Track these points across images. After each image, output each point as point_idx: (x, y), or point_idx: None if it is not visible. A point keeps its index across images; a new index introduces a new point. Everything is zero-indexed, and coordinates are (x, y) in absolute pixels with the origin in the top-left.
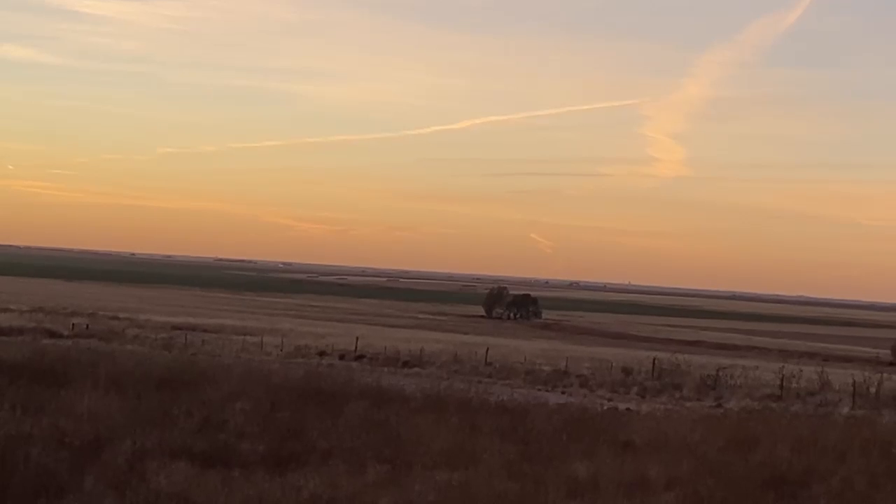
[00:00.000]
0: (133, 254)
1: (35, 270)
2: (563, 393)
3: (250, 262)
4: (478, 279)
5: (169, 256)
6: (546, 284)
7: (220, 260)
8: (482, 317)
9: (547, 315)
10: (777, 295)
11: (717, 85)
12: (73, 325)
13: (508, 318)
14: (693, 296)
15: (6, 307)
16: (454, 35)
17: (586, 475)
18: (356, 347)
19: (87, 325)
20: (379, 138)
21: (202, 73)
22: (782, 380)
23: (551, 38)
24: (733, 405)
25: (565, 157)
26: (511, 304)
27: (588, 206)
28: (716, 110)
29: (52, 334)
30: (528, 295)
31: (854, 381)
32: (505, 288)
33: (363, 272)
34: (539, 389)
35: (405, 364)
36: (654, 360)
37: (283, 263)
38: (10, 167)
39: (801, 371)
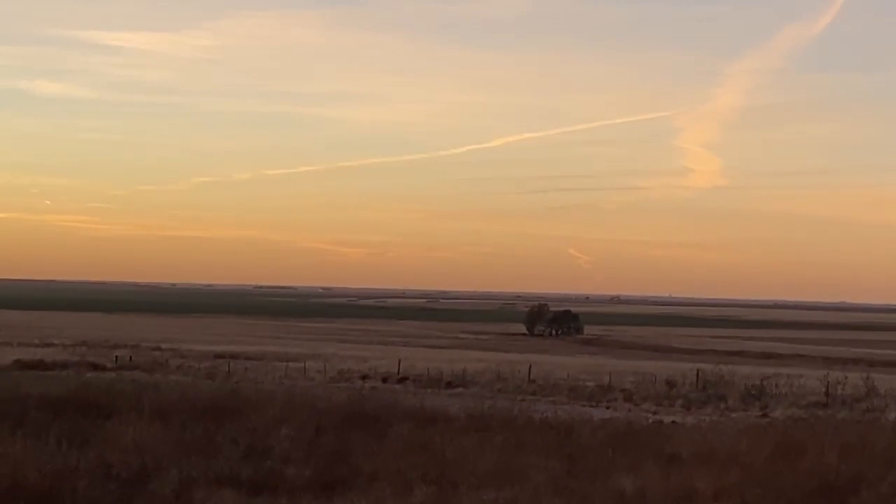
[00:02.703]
0: (173, 284)
1: (76, 304)
2: (607, 408)
3: (289, 288)
4: (518, 297)
5: (209, 285)
6: (587, 300)
7: (260, 287)
8: (524, 334)
9: (589, 330)
10: (819, 302)
11: (749, 93)
12: (116, 357)
13: (550, 334)
14: (734, 306)
15: (49, 342)
16: (485, 52)
17: (633, 489)
18: (399, 370)
19: (131, 357)
20: (413, 159)
21: (234, 100)
22: (827, 387)
23: (582, 52)
24: (779, 414)
25: (601, 171)
26: (552, 320)
27: (625, 219)
28: (749, 119)
29: (96, 367)
30: (569, 311)
31: None
32: (546, 305)
33: (402, 294)
34: (583, 405)
35: (448, 385)
36: (698, 371)
37: (323, 288)
38: (48, 202)
39: (847, 377)
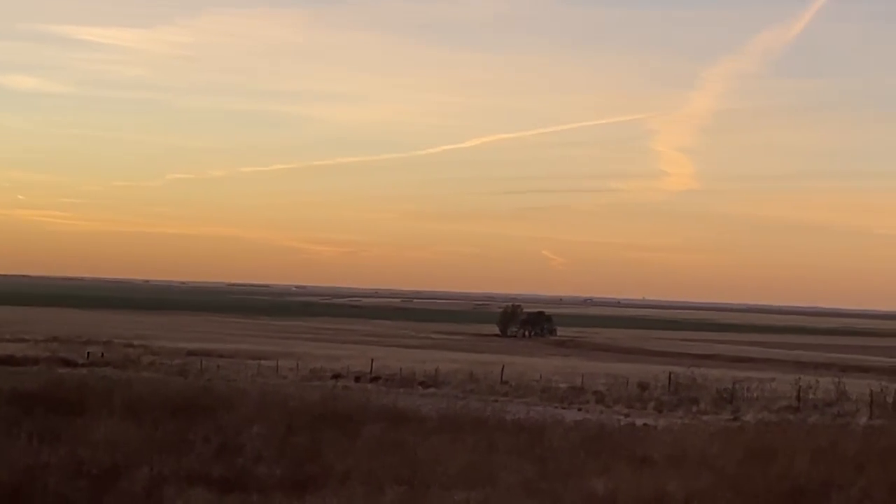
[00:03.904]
0: (147, 281)
1: (49, 300)
2: (579, 410)
3: (263, 286)
4: (491, 298)
5: (182, 282)
6: (560, 301)
7: (234, 285)
8: (497, 335)
9: (561, 332)
10: (791, 306)
11: (724, 97)
12: (88, 353)
13: (523, 336)
14: (707, 309)
15: (21, 337)
16: (462, 53)
17: (605, 491)
18: (371, 369)
19: (102, 354)
20: (389, 159)
21: (210, 97)
22: (799, 391)
23: (558, 54)
24: (750, 418)
25: (575, 173)
26: (525, 322)
27: (599, 221)
28: (723, 122)
29: (68, 363)
30: (543, 312)
31: (871, 391)
32: (519, 306)
33: (376, 293)
34: (555, 407)
35: (421, 385)
36: (670, 374)
37: (297, 287)
38: (21, 197)
39: (818, 382)
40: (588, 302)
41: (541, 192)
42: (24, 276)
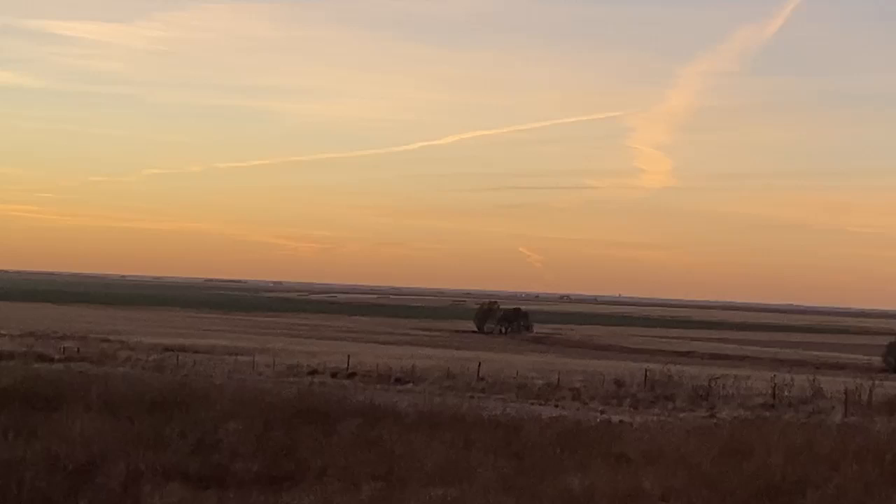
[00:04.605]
0: (123, 276)
1: (24, 295)
2: (555, 406)
3: (240, 281)
4: (468, 294)
5: (158, 278)
6: (536, 298)
7: (210, 280)
8: (473, 332)
9: (538, 329)
10: (767, 304)
11: (701, 95)
12: (63, 348)
13: (500, 332)
14: (683, 306)
15: None
16: (439, 49)
17: (581, 488)
18: (348, 365)
19: (78, 349)
20: (365, 155)
21: (186, 93)
22: (774, 388)
23: (535, 50)
24: (726, 415)
25: (552, 170)
26: (502, 318)
27: (576, 218)
28: (700, 120)
29: (43, 358)
30: (519, 309)
31: (846, 389)
32: (496, 302)
33: (353, 289)
34: (532, 403)
35: (397, 381)
36: (647, 371)
37: (274, 282)
38: None
39: (793, 379)
40: (565, 299)
41: (518, 189)
42: None
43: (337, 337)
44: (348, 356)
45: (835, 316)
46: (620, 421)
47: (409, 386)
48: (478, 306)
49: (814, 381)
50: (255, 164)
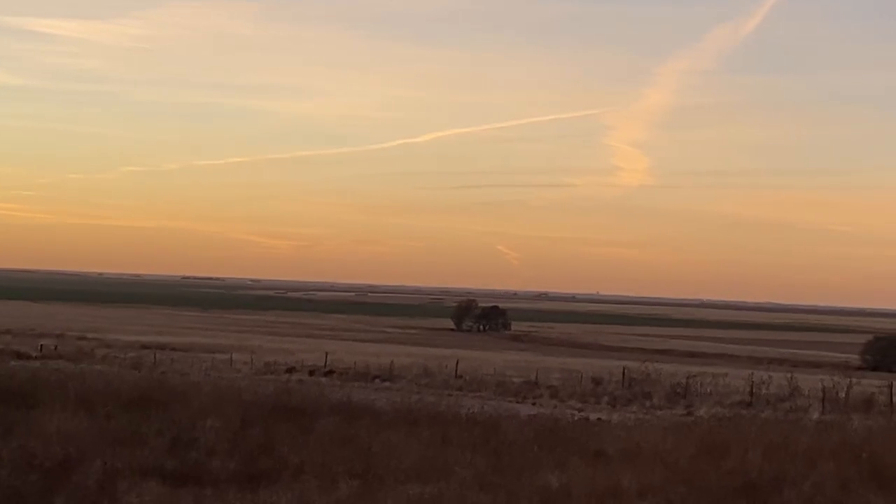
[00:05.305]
0: (100, 273)
1: (1, 292)
2: (533, 404)
3: (218, 279)
4: (446, 292)
5: (136, 275)
6: (514, 296)
7: (188, 278)
8: (451, 330)
9: (516, 326)
10: (745, 302)
11: (678, 93)
12: (41, 346)
13: (478, 330)
14: (661, 304)
15: None
16: (416, 47)
17: (559, 485)
18: (326, 363)
19: (56, 346)
20: (343, 153)
21: (164, 90)
22: (752, 386)
23: (513, 48)
24: (704, 413)
25: (530, 168)
26: (480, 316)
27: (554, 216)
28: (677, 118)
29: (20, 356)
30: (497, 307)
31: (823, 387)
32: (473, 300)
33: (331, 287)
34: (509, 401)
35: (375, 378)
36: (624, 369)
37: (251, 280)
38: None
39: (771, 377)
40: (542, 297)
41: (495, 186)
42: None
43: (314, 335)
44: (326, 354)
45: (812, 314)
46: (598, 419)
47: (387, 384)
48: (455, 304)
49: (791, 378)
50: (233, 162)
